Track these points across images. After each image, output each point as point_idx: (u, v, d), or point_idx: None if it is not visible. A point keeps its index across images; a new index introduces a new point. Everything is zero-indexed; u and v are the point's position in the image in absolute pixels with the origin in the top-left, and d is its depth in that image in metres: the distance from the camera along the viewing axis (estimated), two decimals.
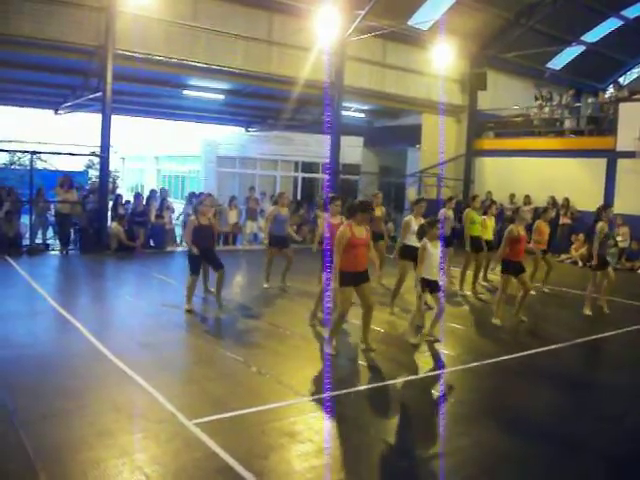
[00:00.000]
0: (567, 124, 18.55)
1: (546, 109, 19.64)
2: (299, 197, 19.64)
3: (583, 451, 4.80)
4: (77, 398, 5.23)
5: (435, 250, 7.30)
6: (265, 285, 10.55)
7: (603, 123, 17.54)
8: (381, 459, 4.51)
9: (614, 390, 6.38)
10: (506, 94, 20.96)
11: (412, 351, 7.10)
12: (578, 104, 18.34)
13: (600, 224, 9.32)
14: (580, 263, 15.54)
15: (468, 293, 10.84)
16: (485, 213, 11.55)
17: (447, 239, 10.68)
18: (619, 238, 15.71)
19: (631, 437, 5.19)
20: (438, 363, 6.77)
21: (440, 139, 19.33)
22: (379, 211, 10.61)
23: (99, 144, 14.16)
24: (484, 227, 11.21)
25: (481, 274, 11.56)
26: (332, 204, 8.39)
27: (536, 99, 20.10)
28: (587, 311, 9.54)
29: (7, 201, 13.86)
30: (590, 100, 18.29)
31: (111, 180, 18.54)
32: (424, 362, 6.84)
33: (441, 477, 4.24)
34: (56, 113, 19.91)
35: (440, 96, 18.76)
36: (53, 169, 20.88)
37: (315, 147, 19.27)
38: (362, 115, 22.25)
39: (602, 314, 9.64)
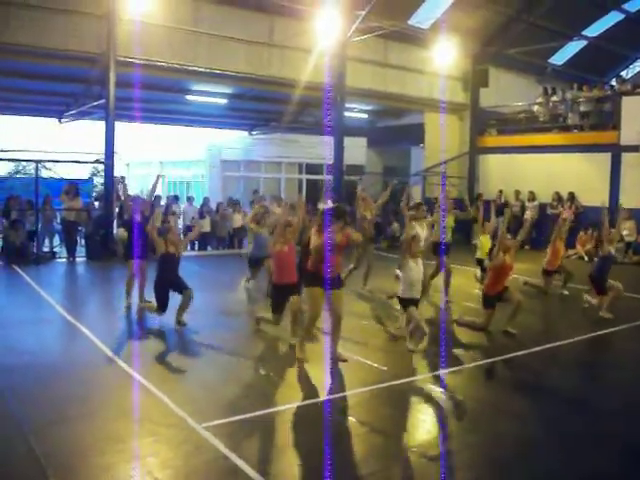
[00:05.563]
0: (571, 119, 18.44)
1: (550, 104, 19.53)
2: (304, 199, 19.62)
3: (593, 445, 4.79)
4: (87, 404, 5.25)
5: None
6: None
7: (598, 116, 17.44)
8: (391, 458, 4.51)
9: (622, 385, 6.36)
10: (508, 91, 20.88)
11: (417, 352, 7.07)
12: (580, 99, 18.23)
13: None
14: (586, 258, 15.48)
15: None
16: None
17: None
18: (625, 232, 15.64)
19: None
20: (443, 362, 6.74)
21: (443, 138, 19.31)
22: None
23: (103, 151, 14.22)
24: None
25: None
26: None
27: (546, 93, 19.67)
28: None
29: (14, 210, 13.93)
30: (584, 93, 18.17)
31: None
32: (430, 362, 6.81)
33: (452, 474, 4.23)
34: (60, 121, 20.00)
35: (442, 94, 18.74)
36: (58, 177, 20.97)
37: (319, 149, 19.27)
38: (365, 116, 22.24)
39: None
